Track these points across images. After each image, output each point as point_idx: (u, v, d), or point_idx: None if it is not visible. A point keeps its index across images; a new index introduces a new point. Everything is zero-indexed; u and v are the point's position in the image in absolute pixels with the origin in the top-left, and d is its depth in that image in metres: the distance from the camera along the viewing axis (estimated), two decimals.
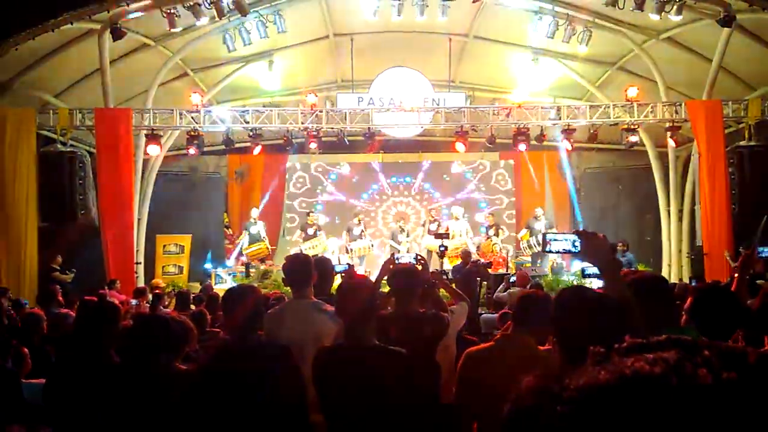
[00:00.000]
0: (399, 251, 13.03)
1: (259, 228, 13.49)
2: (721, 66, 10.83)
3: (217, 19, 10.18)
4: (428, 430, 2.81)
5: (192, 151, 11.89)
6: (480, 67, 13.60)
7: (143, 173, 12.44)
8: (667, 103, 11.60)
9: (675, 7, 9.65)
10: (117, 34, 10.02)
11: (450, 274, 10.02)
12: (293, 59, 12.93)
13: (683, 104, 11.42)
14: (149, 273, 12.61)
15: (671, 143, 11.96)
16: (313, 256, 5.35)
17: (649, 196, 13.64)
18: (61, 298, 6.43)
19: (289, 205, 15.72)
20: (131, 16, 9.98)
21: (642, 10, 9.77)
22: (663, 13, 9.74)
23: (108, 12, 9.84)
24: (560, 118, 11.95)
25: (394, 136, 13.76)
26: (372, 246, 13.45)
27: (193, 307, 7.17)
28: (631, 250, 12.42)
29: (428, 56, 12.70)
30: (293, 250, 14.01)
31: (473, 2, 10.51)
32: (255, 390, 2.48)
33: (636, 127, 11.87)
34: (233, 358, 2.70)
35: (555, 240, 2.29)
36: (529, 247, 13.17)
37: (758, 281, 6.52)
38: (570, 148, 12.48)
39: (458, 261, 11.15)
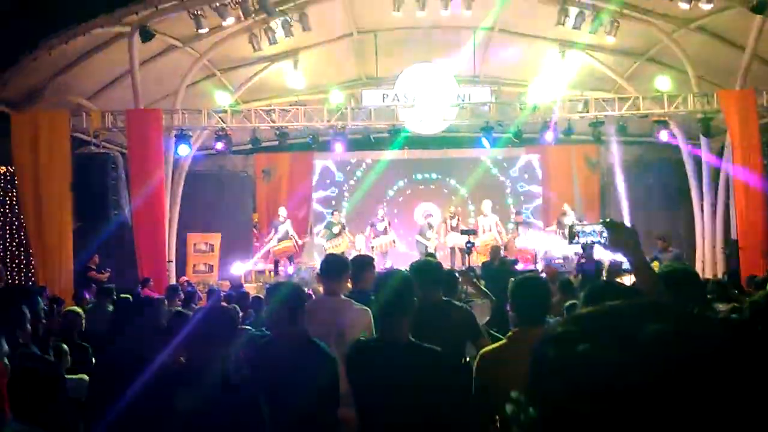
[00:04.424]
0: (427, 247, 13.03)
1: (287, 227, 13.62)
2: (755, 54, 10.55)
3: (242, 19, 10.29)
4: (457, 428, 2.81)
5: (220, 145, 12.02)
6: (506, 60, 13.47)
7: (173, 173, 12.66)
8: (698, 94, 11.34)
9: None
10: (146, 36, 10.21)
11: (479, 270, 9.98)
12: (318, 57, 12.99)
13: (715, 94, 11.16)
14: (180, 271, 12.85)
15: (703, 135, 11.71)
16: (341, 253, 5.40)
17: (681, 189, 13.37)
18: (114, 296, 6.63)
19: (316, 203, 15.84)
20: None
21: None
22: (693, 2, 9.53)
23: (137, 15, 10.03)
24: (588, 111, 11.79)
25: (419, 132, 13.74)
26: (394, 242, 13.47)
27: (224, 304, 7.27)
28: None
29: (453, 51, 12.64)
30: (322, 249, 14.12)
31: None
32: (291, 383, 2.52)
33: (667, 119, 11.64)
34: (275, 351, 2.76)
35: (582, 232, 2.27)
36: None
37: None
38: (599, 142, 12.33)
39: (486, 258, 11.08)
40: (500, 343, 2.86)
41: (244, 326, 5.42)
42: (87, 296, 8.61)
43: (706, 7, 9.71)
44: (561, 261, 12.41)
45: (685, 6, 9.70)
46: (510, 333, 2.86)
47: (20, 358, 2.54)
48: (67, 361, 4.07)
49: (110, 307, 6.25)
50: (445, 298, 3.55)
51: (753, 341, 0.54)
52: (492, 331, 4.89)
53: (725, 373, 0.51)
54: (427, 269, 3.51)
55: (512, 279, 2.97)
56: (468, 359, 3.37)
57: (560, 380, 0.56)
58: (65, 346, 4.15)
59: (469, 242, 11.95)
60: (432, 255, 10.48)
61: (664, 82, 11.46)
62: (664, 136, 11.84)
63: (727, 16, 10.34)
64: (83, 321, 4.78)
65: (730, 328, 0.57)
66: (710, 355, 0.53)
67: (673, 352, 0.53)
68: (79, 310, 5.08)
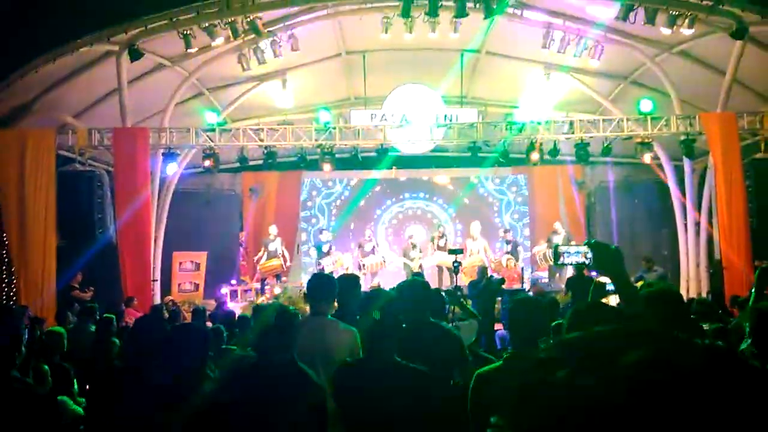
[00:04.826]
0: (411, 268, 13.03)
1: (276, 245, 13.57)
2: (735, 79, 10.78)
3: (231, 39, 10.36)
4: None
5: (207, 163, 11.99)
6: (492, 82, 13.66)
7: (160, 191, 12.60)
8: (681, 116, 11.55)
9: (687, 20, 9.67)
10: (135, 55, 10.23)
11: (466, 290, 9.99)
12: (307, 77, 13.08)
13: (697, 117, 11.37)
14: (165, 290, 12.71)
15: (686, 156, 11.89)
16: (329, 273, 5.38)
17: (665, 210, 13.54)
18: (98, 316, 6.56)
19: (304, 221, 15.82)
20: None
21: (653, 24, 9.79)
22: (675, 27, 9.75)
23: (126, 34, 10.06)
24: (573, 133, 11.95)
25: (407, 152, 13.83)
26: (384, 261, 13.46)
27: (209, 324, 7.20)
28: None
29: (440, 72, 12.79)
30: (309, 268, 14.07)
31: (484, 18, 10.59)
32: (276, 411, 2.49)
33: (650, 140, 11.82)
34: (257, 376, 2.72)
35: (567, 252, 2.29)
36: (545, 260, 13.12)
37: None
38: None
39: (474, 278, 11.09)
40: (497, 364, 2.82)
41: (229, 346, 5.37)
42: (69, 316, 8.48)
43: (688, 32, 9.93)
44: (547, 280, 12.48)
45: (667, 31, 9.92)
46: (506, 354, 2.83)
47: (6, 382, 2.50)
48: (47, 383, 4.00)
49: (92, 328, 6.17)
50: (432, 320, 3.53)
51: (733, 370, 0.54)
52: (479, 352, 4.89)
53: (703, 401, 0.51)
54: (414, 290, 3.50)
55: (512, 300, 2.96)
56: (458, 380, 3.35)
57: (540, 405, 0.56)
58: (46, 367, 4.08)
59: (456, 261, 11.97)
60: (420, 275, 10.49)
61: (647, 105, 11.65)
62: (647, 158, 12.03)
63: (708, 41, 10.59)
64: (65, 341, 4.71)
65: (712, 356, 0.56)
66: (688, 383, 0.53)
67: (651, 380, 0.53)
68: (61, 330, 5.01)
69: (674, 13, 9.69)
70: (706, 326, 5.07)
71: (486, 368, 2.83)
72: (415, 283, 3.76)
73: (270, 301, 11.37)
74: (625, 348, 0.56)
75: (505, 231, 14.30)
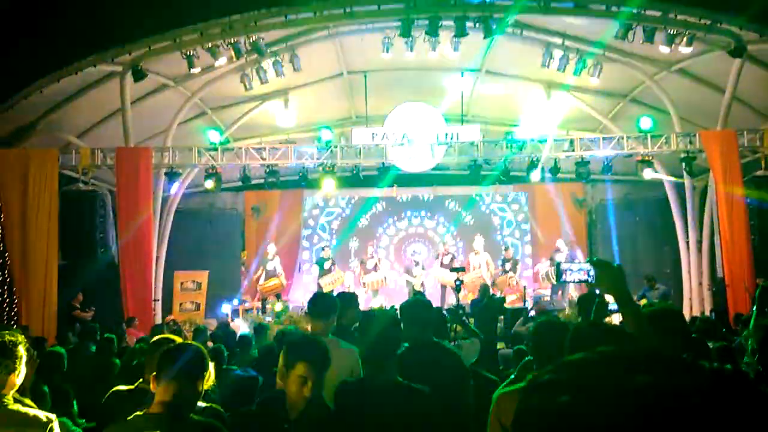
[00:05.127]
0: (413, 285, 13.00)
1: (275, 264, 13.55)
2: (735, 96, 10.83)
3: (234, 59, 10.46)
4: None
5: (209, 183, 12.03)
6: (492, 101, 13.73)
7: (162, 211, 12.61)
8: (681, 134, 11.58)
9: (685, 38, 9.75)
10: (138, 76, 10.32)
11: (467, 308, 9.95)
12: (308, 97, 13.17)
13: (697, 134, 11.40)
14: (166, 310, 12.67)
15: (687, 174, 11.90)
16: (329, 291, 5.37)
17: (667, 227, 13.51)
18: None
19: (305, 240, 15.80)
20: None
21: (652, 43, 9.88)
22: (673, 45, 9.83)
23: (129, 54, 10.17)
24: (574, 150, 11.98)
25: (408, 170, 13.85)
26: (386, 279, 13.43)
27: (210, 343, 7.16)
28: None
29: (441, 91, 12.87)
30: (311, 286, 14.03)
31: (484, 38, 10.68)
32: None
33: (651, 158, 11.84)
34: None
35: (570, 270, 2.27)
36: (548, 278, 13.08)
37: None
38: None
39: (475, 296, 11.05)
40: (520, 385, 2.78)
41: (230, 366, 5.34)
42: (70, 336, 8.46)
43: (686, 50, 10.01)
44: (549, 298, 12.42)
45: (665, 50, 9.99)
46: (530, 376, 2.78)
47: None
48: (47, 404, 3.97)
49: (93, 348, 6.14)
50: (435, 340, 3.51)
51: (741, 394, 0.53)
52: (481, 371, 4.85)
53: (710, 427, 0.50)
54: (416, 310, 3.49)
55: (536, 322, 2.92)
56: (459, 400, 3.31)
57: (541, 429, 0.55)
58: (46, 388, 4.05)
59: (458, 280, 11.91)
60: (421, 293, 10.46)
61: (647, 122, 11.69)
62: (648, 174, 12.03)
63: (706, 59, 10.66)
64: (65, 362, 4.68)
65: (719, 380, 0.55)
66: (695, 410, 0.51)
67: (657, 407, 0.51)
68: (61, 350, 4.98)
69: (673, 31, 9.78)
70: (710, 344, 5.04)
71: (509, 390, 2.77)
72: (417, 302, 3.75)
73: (271, 321, 11.32)
74: (630, 371, 0.54)
75: (506, 249, 14.29)
